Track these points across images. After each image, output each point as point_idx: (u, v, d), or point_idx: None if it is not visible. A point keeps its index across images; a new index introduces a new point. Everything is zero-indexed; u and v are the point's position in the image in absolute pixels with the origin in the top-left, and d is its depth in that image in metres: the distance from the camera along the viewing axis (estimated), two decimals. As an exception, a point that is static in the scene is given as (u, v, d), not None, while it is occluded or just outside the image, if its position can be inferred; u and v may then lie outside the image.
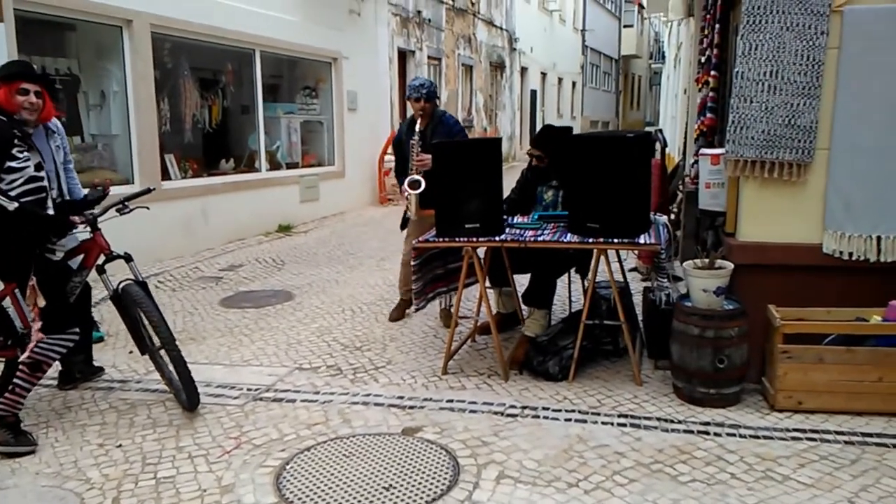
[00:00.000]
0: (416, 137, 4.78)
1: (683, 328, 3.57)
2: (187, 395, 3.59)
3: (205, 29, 7.67)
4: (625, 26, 35.50)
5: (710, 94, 4.49)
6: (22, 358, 3.31)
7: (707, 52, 4.61)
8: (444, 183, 3.92)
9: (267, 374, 4.19)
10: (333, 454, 3.16)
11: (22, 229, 3.22)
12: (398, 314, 5.20)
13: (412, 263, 4.11)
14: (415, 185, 4.68)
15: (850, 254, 3.51)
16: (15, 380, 3.32)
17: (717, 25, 4.39)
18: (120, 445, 3.29)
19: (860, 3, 3.34)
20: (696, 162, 4.49)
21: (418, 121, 4.82)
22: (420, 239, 4.03)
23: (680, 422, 3.42)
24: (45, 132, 4.15)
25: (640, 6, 32.76)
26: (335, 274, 6.83)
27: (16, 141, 3.23)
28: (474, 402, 3.69)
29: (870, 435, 3.19)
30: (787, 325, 3.41)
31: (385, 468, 3.02)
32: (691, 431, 3.30)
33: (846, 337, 3.39)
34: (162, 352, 3.67)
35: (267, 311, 5.59)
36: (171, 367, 3.63)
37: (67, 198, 3.77)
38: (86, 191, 4.05)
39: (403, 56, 13.24)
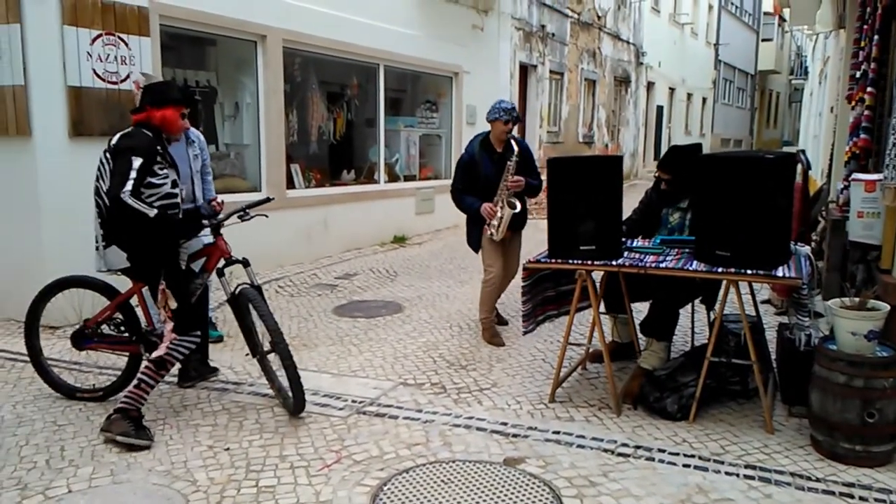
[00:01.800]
0: (514, 158, 4.79)
1: (827, 374, 3.17)
2: (294, 400, 3.63)
3: (332, 44, 7.93)
4: (763, 40, 33.45)
5: (866, 112, 4.02)
6: (153, 355, 3.47)
7: (863, 67, 4.14)
8: (558, 201, 3.74)
9: (372, 387, 4.17)
10: (432, 479, 3.05)
11: (159, 234, 3.38)
12: (491, 336, 5.04)
13: (522, 285, 3.95)
14: (512, 205, 4.73)
15: None
16: (140, 375, 3.48)
17: (876, 37, 3.92)
18: (228, 449, 3.36)
19: None
20: (847, 187, 4.03)
21: (494, 143, 4.92)
22: (531, 259, 3.87)
23: (818, 480, 3.03)
24: (186, 141, 4.43)
25: (782, 18, 30.79)
26: (445, 288, 6.78)
27: (158, 158, 3.41)
28: (582, 437, 3.46)
29: None
30: (956, 380, 2.94)
31: (484, 500, 2.87)
32: (831, 493, 2.91)
33: None
34: (272, 355, 3.73)
35: (377, 321, 5.62)
36: (281, 371, 3.68)
37: (201, 202, 3.97)
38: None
39: (525, 70, 13.12)
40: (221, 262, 3.85)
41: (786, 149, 29.47)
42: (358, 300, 6.33)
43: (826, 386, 3.17)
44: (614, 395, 3.81)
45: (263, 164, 7.27)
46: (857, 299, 3.23)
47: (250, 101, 7.23)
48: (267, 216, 4.03)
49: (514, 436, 3.48)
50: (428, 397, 4.01)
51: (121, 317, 3.81)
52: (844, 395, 3.10)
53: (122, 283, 3.74)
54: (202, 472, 3.14)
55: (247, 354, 4.06)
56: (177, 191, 3.54)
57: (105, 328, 3.84)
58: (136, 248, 3.40)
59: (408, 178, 9.96)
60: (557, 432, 3.51)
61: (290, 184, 7.77)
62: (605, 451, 3.31)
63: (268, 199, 4.10)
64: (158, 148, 3.44)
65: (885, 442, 3.10)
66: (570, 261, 3.72)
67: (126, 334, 3.81)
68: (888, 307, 3.15)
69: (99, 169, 3.44)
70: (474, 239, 5.11)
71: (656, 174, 4.25)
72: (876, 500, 2.85)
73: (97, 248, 3.48)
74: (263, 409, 3.84)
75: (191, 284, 3.71)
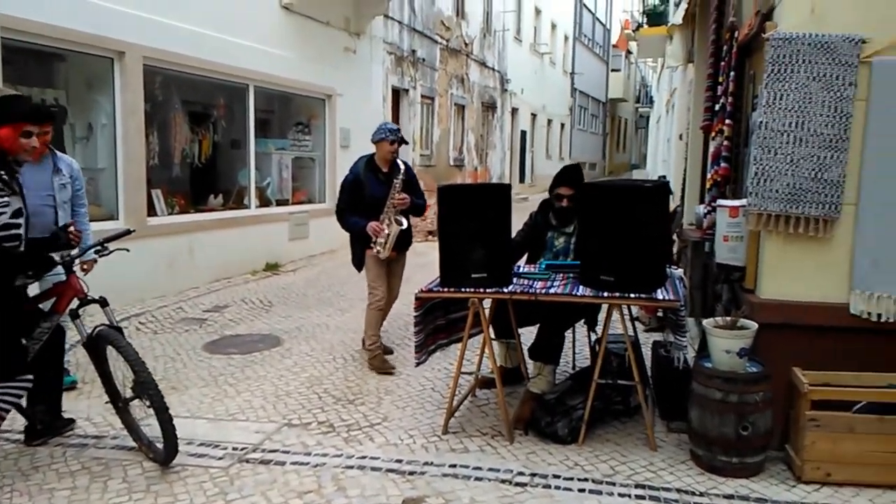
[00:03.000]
0: (401, 175, 4.84)
1: (704, 391, 3.34)
2: (166, 447, 3.31)
3: (198, 62, 7.50)
4: (612, 70, 36.05)
5: (725, 142, 4.35)
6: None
7: (721, 100, 4.48)
8: (449, 229, 3.71)
9: (254, 431, 3.89)
10: (328, 529, 2.86)
11: None
12: (381, 364, 4.93)
13: (414, 315, 3.86)
14: (399, 222, 4.78)
15: (879, 315, 3.32)
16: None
17: (732, 73, 4.27)
18: (90, 514, 2.97)
19: (889, 54, 3.21)
20: (710, 212, 4.33)
21: (380, 163, 4.94)
22: (423, 289, 3.80)
23: (701, 494, 3.17)
24: (52, 167, 3.96)
25: (628, 51, 33.28)
26: (325, 317, 6.55)
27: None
28: (479, 468, 3.41)
29: (910, 514, 2.96)
30: (816, 390, 3.20)
31: (385, 547, 2.73)
32: (716, 506, 3.06)
33: (877, 404, 3.18)
34: (136, 401, 3.39)
35: (254, 357, 5.29)
36: (146, 421, 3.33)
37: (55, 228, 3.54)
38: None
39: (397, 94, 13.17)
40: (75, 303, 3.45)
41: (634, 172, 31.75)
42: (231, 335, 5.94)
43: (704, 403, 3.34)
44: (506, 421, 3.81)
45: (121, 190, 6.69)
46: (728, 319, 3.44)
47: (106, 121, 6.65)
48: (128, 250, 3.66)
49: (411, 473, 3.36)
50: (316, 438, 3.80)
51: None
52: (721, 410, 3.27)
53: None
54: (61, 545, 2.75)
55: (106, 402, 3.67)
56: (19, 221, 3.13)
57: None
58: None
59: (280, 203, 9.60)
60: (454, 465, 3.44)
61: (151, 210, 7.21)
62: (503, 481, 3.28)
63: (128, 232, 3.71)
64: (2, 173, 3.02)
65: (758, 453, 3.30)
66: (463, 289, 3.69)
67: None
68: (756, 325, 3.38)
69: None
70: (358, 258, 5.05)
71: (555, 191, 4.30)
72: (755, 509, 3.03)
73: None
74: (130, 464, 3.45)
75: (36, 327, 3.29)
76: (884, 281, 3.30)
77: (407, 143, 5.33)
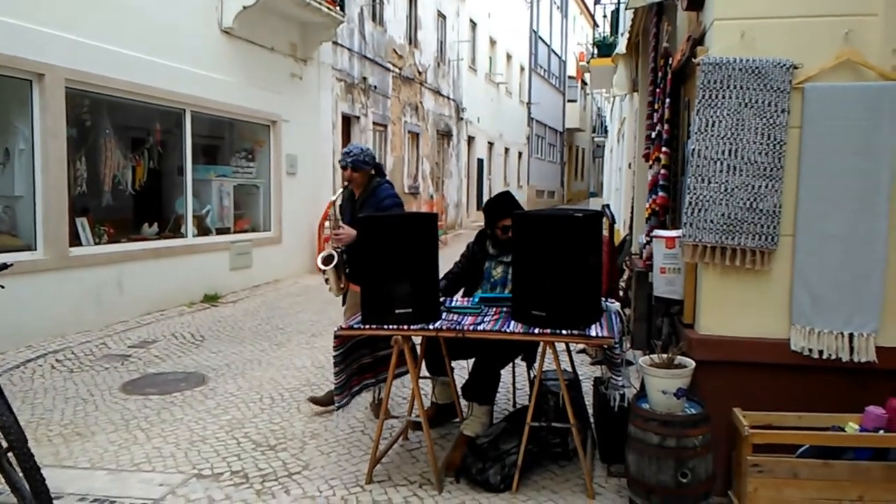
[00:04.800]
0: (337, 210, 4.39)
1: (642, 435, 3.12)
2: None
3: (129, 86, 7.18)
4: (568, 101, 36.58)
5: (662, 171, 4.22)
6: None
7: (657, 128, 4.36)
8: (371, 262, 3.46)
9: (158, 484, 3.54)
10: None
11: None
12: (327, 398, 4.58)
13: (334, 354, 3.58)
14: (328, 260, 4.28)
15: (821, 352, 3.17)
16: None
17: (668, 100, 4.15)
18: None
19: (822, 80, 3.11)
20: (649, 242, 4.17)
21: (355, 190, 4.47)
22: (342, 326, 3.52)
23: (639, 547, 2.94)
24: None
25: (583, 82, 33.83)
26: (259, 353, 6.20)
27: None
28: (401, 523, 3.13)
29: (856, 569, 2.77)
30: (757, 433, 3.01)
31: None
32: (653, 563, 2.82)
33: (821, 448, 3.01)
34: (10, 454, 3.01)
35: (173, 398, 4.92)
36: (20, 474, 2.96)
37: None
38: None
39: (348, 121, 12.96)
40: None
41: (591, 199, 32.06)
42: (153, 373, 5.55)
43: (642, 448, 3.12)
44: (435, 469, 3.53)
45: (39, 219, 6.28)
46: (665, 356, 3.25)
47: (24, 146, 6.26)
48: (3, 286, 3.29)
49: (325, 531, 3.06)
50: (225, 491, 3.46)
51: None
52: (659, 455, 3.06)
53: None
54: None
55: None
56: None
57: None
58: None
59: (221, 231, 9.23)
60: (373, 521, 3.15)
61: (76, 240, 6.80)
62: (426, 538, 3.00)
63: (4, 266, 3.33)
64: None
65: (699, 500, 3.09)
66: (386, 326, 3.43)
67: None
68: (694, 364, 3.19)
69: None
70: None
71: (495, 225, 4.07)
72: (694, 565, 2.79)
73: None
74: (10, 526, 3.06)
75: None
76: (824, 316, 3.15)
77: (364, 167, 4.45)
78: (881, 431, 2.97)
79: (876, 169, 3.04)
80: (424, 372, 4.10)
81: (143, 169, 8.04)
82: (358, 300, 4.21)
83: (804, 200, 3.15)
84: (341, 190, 4.57)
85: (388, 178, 4.60)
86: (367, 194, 4.42)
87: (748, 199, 3.18)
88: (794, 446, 3.08)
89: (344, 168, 4.40)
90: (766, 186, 3.16)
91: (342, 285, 4.40)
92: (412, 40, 16.27)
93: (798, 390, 3.23)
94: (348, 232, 4.29)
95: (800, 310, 3.19)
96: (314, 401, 4.61)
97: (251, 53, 9.37)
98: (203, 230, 8.87)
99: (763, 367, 3.25)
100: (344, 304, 4.58)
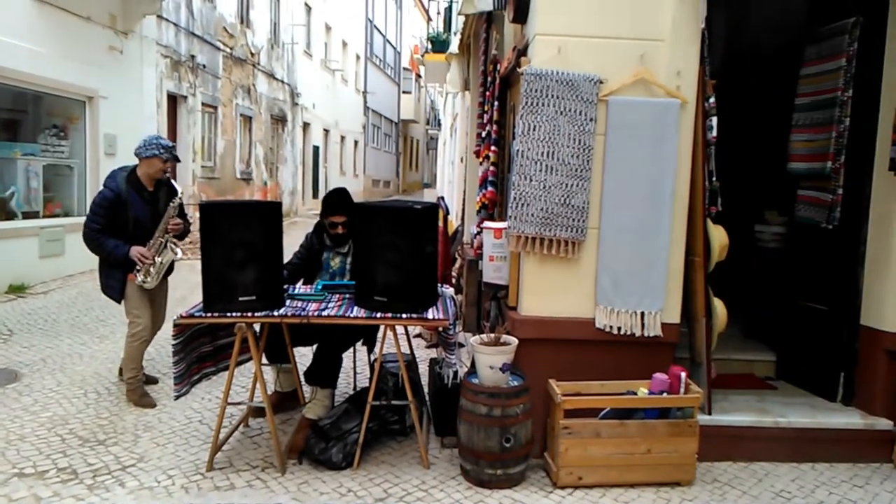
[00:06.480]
0: (179, 198, 4.45)
1: (471, 407, 3.46)
2: None
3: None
4: (403, 92, 37.15)
5: (491, 168, 4.60)
6: None
7: (487, 128, 4.75)
8: (212, 248, 3.46)
9: (-29, 487, 3.29)
10: None
11: None
12: (140, 397, 4.50)
13: (173, 343, 3.54)
14: (175, 250, 4.40)
15: (619, 328, 3.70)
16: None
17: (497, 103, 4.54)
18: None
19: (622, 94, 3.61)
20: (480, 232, 4.54)
21: (145, 181, 4.47)
22: (183, 314, 3.50)
23: (469, 508, 3.27)
24: None
25: (418, 75, 34.56)
26: (79, 346, 5.82)
27: None
28: (244, 505, 3.20)
29: (643, 508, 3.30)
30: (568, 400, 3.46)
31: None
32: (481, 519, 3.16)
33: (619, 410, 3.53)
34: None
35: (-19, 397, 4.52)
36: None
37: None
38: None
39: (175, 100, 12.28)
40: None
41: (426, 190, 32.93)
42: (-46, 371, 5.03)
43: (471, 418, 3.46)
44: (279, 452, 3.63)
45: None
46: (492, 335, 3.61)
47: None
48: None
49: (166, 519, 3.06)
50: (53, 488, 3.31)
51: None
52: (487, 424, 3.41)
53: None
54: None
55: None
56: None
57: None
58: None
59: (28, 215, 8.41)
60: (216, 505, 3.19)
61: None
62: (270, 517, 3.11)
63: None
64: None
65: (520, 462, 3.49)
66: (229, 313, 3.46)
67: None
68: (517, 341, 3.58)
69: None
70: (116, 287, 4.47)
71: (328, 220, 4.21)
72: (515, 517, 3.18)
73: None
74: None
75: None
76: (621, 297, 3.68)
77: (179, 160, 4.87)
78: (665, 394, 3.55)
79: (661, 173, 3.61)
80: (265, 360, 4.16)
81: (-69, 144, 7.14)
82: (136, 292, 4.46)
83: (606, 198, 3.66)
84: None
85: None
86: (163, 185, 4.55)
87: (563, 196, 3.62)
88: (598, 410, 3.58)
89: (166, 161, 4.47)
90: (577, 185, 3.62)
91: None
92: (244, 19, 15.71)
93: (602, 363, 3.75)
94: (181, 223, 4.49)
95: (603, 292, 3.70)
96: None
97: (64, 22, 8.59)
98: (8, 214, 8.04)
99: (573, 342, 3.73)
100: (120, 301, 4.54)
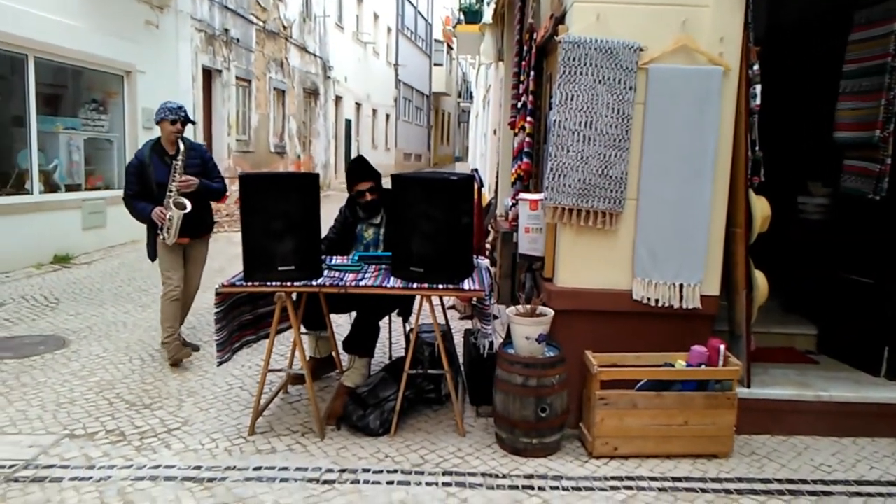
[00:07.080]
0: (181, 158, 4.58)
1: (507, 377, 3.48)
2: None
3: (-39, 25, 6.49)
4: (435, 64, 36.86)
5: (527, 139, 4.56)
6: None
7: (523, 99, 4.70)
8: (253, 219, 3.52)
9: (27, 446, 3.45)
10: (110, 551, 2.60)
11: None
12: (176, 351, 4.67)
13: (215, 311, 3.62)
14: (181, 205, 4.51)
15: (657, 300, 3.67)
16: None
17: (532, 73, 4.49)
18: None
19: (663, 62, 3.54)
20: (515, 204, 4.52)
21: (166, 145, 4.66)
22: (224, 283, 3.57)
23: (504, 476, 3.30)
24: None
25: (450, 47, 34.23)
26: (123, 314, 5.99)
27: None
28: (286, 468, 3.29)
29: (679, 479, 3.29)
30: (604, 371, 3.46)
31: (177, 563, 2.53)
32: (516, 487, 3.19)
33: (656, 382, 3.52)
34: None
35: (33, 361, 4.70)
36: None
37: None
38: None
39: (209, 74, 12.39)
40: None
41: (457, 164, 32.79)
42: (6, 336, 5.23)
43: (507, 387, 3.49)
44: (318, 418, 3.71)
45: None
46: (528, 306, 3.62)
47: None
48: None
49: (210, 480, 3.16)
50: (103, 449, 3.44)
51: None
52: (522, 394, 3.44)
53: None
54: None
55: None
56: None
57: None
58: None
59: (71, 188, 8.64)
60: (259, 468, 3.28)
61: None
62: (311, 480, 3.19)
63: None
64: None
65: (556, 432, 3.52)
66: (269, 283, 3.52)
67: None
68: (553, 312, 3.58)
69: None
70: (151, 247, 4.74)
71: (354, 190, 4.25)
72: (551, 487, 3.20)
73: None
74: None
75: None
76: (660, 269, 3.65)
77: (193, 122, 5.00)
78: (703, 366, 3.52)
79: (703, 143, 3.54)
80: (303, 328, 4.23)
81: (-21, 118, 7.33)
82: (172, 256, 4.66)
83: (645, 168, 3.60)
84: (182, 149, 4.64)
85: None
86: (186, 148, 4.64)
87: (601, 167, 3.58)
88: (635, 381, 3.57)
89: (175, 122, 4.61)
90: (616, 156, 3.57)
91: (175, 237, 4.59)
92: (277, -7, 15.71)
93: (639, 335, 3.73)
94: (196, 181, 4.59)
95: (640, 264, 3.67)
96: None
97: (102, -3, 8.71)
98: (51, 187, 8.26)
99: (610, 314, 3.72)
100: (154, 259, 4.76)
